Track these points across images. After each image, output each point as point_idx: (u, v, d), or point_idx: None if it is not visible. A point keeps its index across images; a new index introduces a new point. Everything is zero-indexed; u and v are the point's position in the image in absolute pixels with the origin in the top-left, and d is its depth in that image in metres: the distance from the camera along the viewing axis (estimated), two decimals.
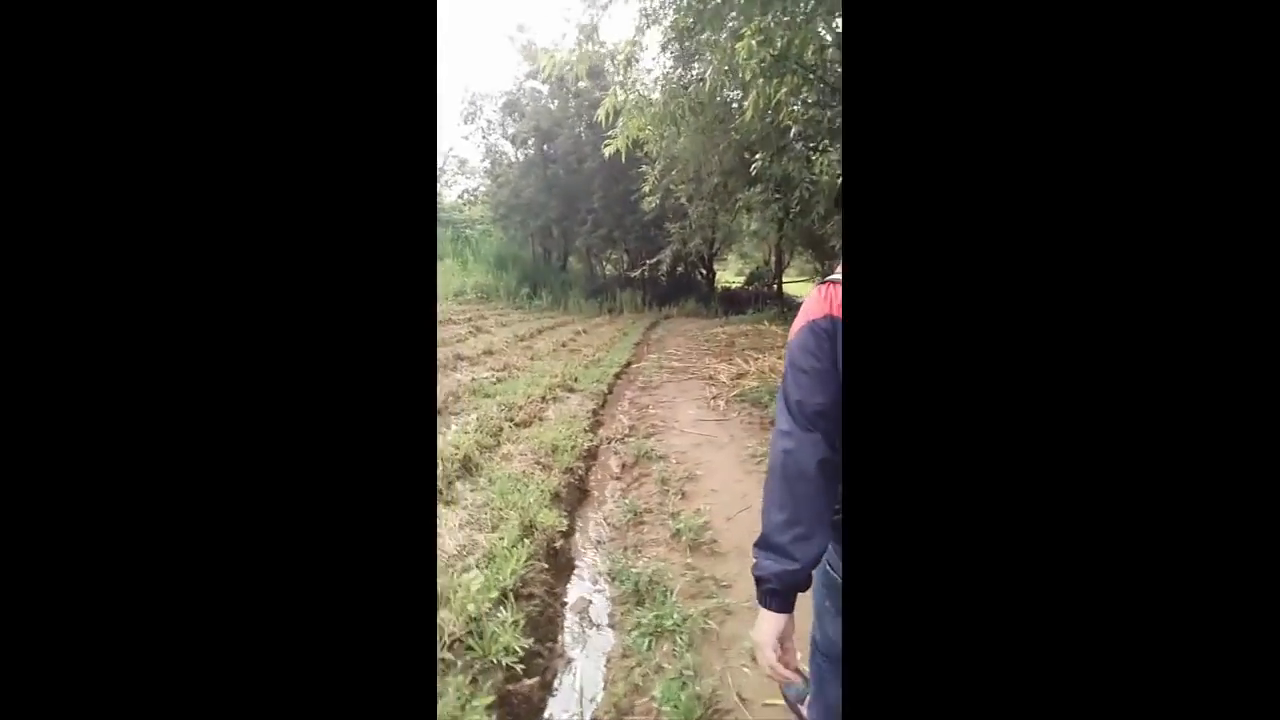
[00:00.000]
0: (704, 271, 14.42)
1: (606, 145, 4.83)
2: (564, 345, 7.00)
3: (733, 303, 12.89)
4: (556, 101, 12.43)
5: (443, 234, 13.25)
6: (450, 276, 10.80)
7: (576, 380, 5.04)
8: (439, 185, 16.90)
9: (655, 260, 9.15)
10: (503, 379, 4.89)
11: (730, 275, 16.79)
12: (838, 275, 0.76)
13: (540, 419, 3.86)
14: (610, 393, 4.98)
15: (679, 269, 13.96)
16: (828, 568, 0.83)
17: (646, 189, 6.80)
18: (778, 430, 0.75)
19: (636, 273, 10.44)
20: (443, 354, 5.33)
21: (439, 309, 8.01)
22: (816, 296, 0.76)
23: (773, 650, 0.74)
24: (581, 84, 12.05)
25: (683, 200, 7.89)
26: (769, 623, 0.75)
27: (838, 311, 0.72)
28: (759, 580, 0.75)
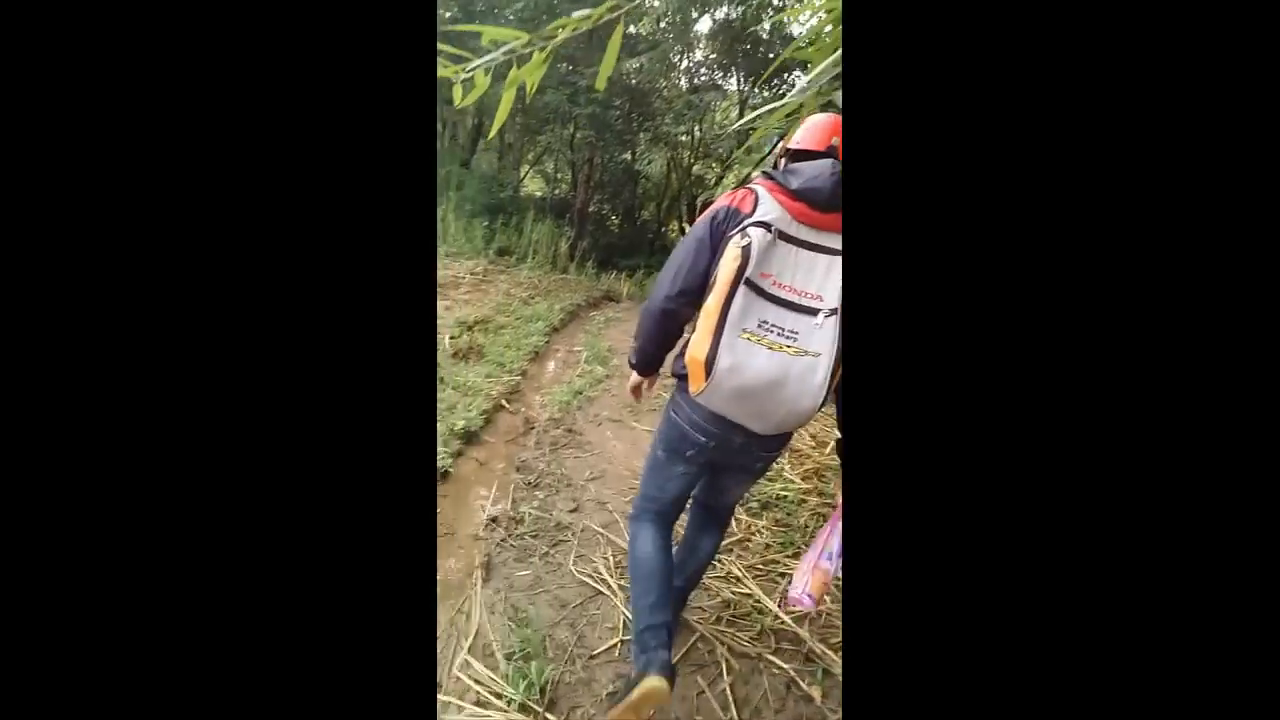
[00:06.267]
0: (681, 225, 9.57)
1: None
2: None
3: None
4: None
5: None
6: None
7: None
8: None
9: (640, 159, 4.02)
10: None
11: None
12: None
13: None
14: None
15: (641, 212, 8.90)
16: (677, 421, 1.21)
17: None
18: (661, 294, 1.12)
19: (581, 197, 4.96)
20: None
21: None
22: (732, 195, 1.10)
23: (632, 388, 1.36)
24: None
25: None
26: (632, 380, 1.34)
27: (736, 203, 1.07)
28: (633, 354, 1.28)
